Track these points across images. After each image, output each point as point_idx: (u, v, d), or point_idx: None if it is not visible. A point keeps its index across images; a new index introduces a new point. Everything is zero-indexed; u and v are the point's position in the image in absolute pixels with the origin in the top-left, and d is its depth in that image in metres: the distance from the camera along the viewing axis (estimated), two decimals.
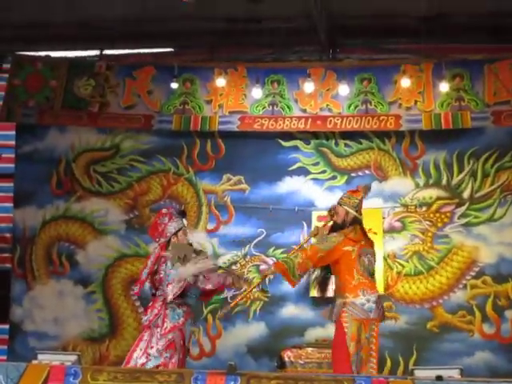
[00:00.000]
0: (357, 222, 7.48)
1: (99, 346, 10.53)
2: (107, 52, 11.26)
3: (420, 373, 6.93)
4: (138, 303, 10.48)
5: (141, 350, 7.29)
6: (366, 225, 7.90)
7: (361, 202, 7.60)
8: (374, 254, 7.47)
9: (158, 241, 7.68)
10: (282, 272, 7.25)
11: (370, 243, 7.53)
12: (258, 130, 10.64)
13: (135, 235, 10.81)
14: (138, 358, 7.23)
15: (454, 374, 7.02)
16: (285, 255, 8.02)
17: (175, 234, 7.69)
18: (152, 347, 7.27)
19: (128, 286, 10.63)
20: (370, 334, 7.13)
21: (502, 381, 5.43)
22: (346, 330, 7.09)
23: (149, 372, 5.58)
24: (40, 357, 7.53)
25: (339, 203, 7.59)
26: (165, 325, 7.33)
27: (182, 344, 7.40)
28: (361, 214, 7.56)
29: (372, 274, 7.38)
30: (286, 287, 9.97)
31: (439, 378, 5.22)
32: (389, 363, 9.92)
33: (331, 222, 7.66)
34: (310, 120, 10.61)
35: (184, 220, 7.89)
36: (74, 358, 7.80)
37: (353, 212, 7.45)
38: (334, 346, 7.32)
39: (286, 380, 5.28)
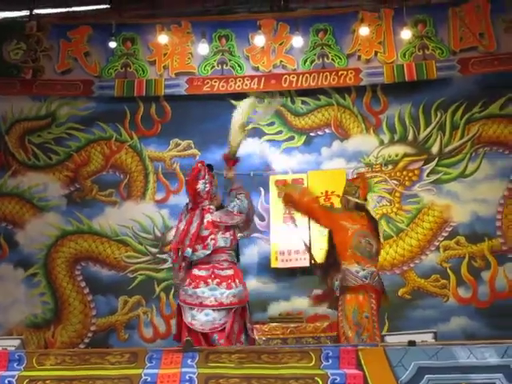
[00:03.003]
0: (359, 207, 7.48)
1: (44, 333, 9.89)
2: (38, 11, 10.56)
3: (391, 339, 6.41)
4: (83, 284, 10.01)
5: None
6: (329, 187, 8.38)
7: (360, 188, 7.56)
8: (374, 239, 7.36)
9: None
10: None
11: (371, 228, 7.44)
12: (208, 92, 10.26)
13: (77, 210, 10.24)
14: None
15: (428, 338, 6.48)
16: None
17: None
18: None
19: (72, 265, 10.09)
20: (371, 312, 7.04)
21: (478, 343, 5.09)
22: (340, 318, 7.11)
23: (99, 353, 5.25)
24: None
25: (343, 193, 7.70)
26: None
27: None
28: (365, 200, 7.56)
29: (370, 256, 7.24)
30: (246, 259, 9.54)
31: (412, 343, 5.08)
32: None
33: None
34: (263, 79, 10.29)
35: None
36: (17, 342, 7.08)
37: (353, 199, 7.45)
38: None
39: (249, 354, 5.01)
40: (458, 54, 9.90)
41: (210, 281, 6.45)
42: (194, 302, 6.39)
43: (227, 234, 6.66)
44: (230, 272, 6.56)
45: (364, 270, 7.06)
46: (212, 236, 6.60)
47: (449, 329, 9.25)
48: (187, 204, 6.79)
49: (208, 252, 6.54)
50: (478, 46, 9.84)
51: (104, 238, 10.00)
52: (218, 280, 6.46)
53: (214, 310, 6.36)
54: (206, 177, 6.71)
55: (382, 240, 7.94)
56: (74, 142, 10.37)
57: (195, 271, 6.54)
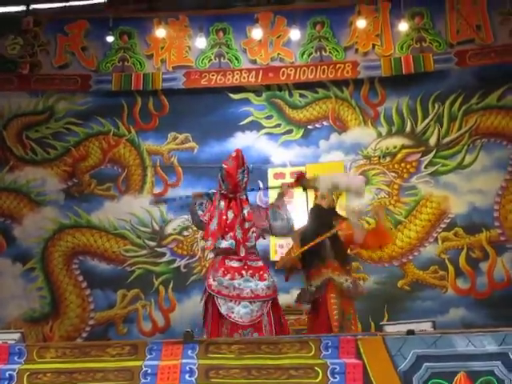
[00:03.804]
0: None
1: (42, 328, 9.87)
2: (34, 6, 10.40)
3: (390, 328, 6.42)
4: (81, 278, 10.01)
5: None
6: None
7: None
8: None
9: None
10: None
11: None
12: (206, 85, 10.22)
13: (75, 204, 10.19)
14: None
15: (426, 327, 6.52)
16: None
17: None
18: None
19: (70, 259, 10.07)
20: (350, 315, 7.25)
21: (476, 331, 5.19)
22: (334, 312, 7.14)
23: (100, 346, 5.31)
24: None
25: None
26: None
27: None
28: None
29: None
30: None
31: (410, 332, 5.14)
32: (359, 327, 9.21)
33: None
34: (261, 72, 10.24)
35: None
36: (17, 336, 7.12)
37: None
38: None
39: (248, 345, 5.07)
40: (455, 46, 9.87)
41: (243, 272, 6.45)
42: (230, 293, 6.36)
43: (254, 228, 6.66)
44: (260, 263, 6.62)
45: (347, 280, 7.21)
46: (253, 229, 6.59)
47: (448, 320, 9.26)
48: (219, 192, 6.69)
49: (251, 244, 6.56)
50: (474, 38, 9.82)
51: (102, 231, 9.99)
52: (251, 271, 6.47)
53: (250, 302, 6.35)
54: (245, 166, 6.69)
55: None
56: (72, 136, 10.30)
57: (227, 262, 6.50)
